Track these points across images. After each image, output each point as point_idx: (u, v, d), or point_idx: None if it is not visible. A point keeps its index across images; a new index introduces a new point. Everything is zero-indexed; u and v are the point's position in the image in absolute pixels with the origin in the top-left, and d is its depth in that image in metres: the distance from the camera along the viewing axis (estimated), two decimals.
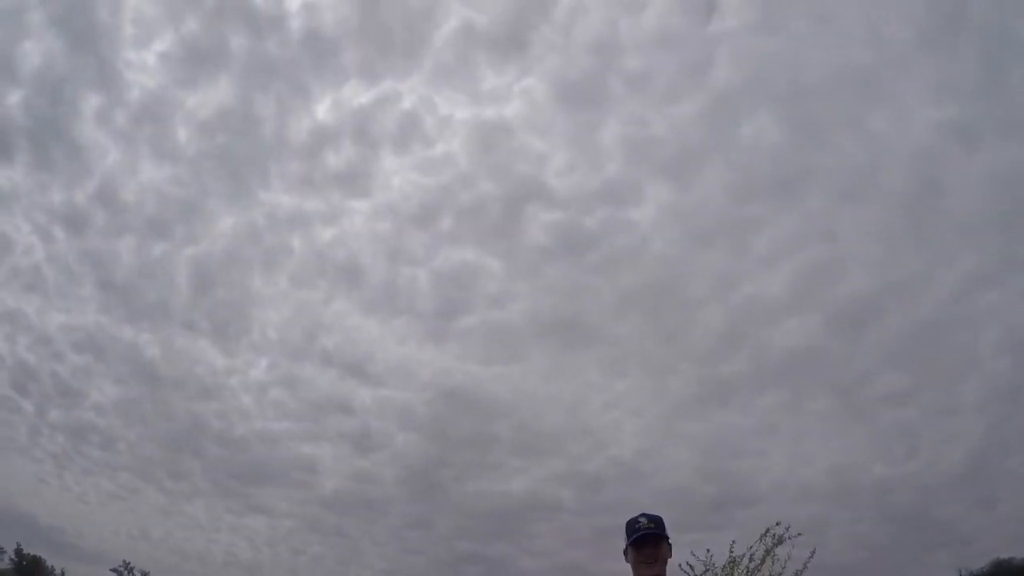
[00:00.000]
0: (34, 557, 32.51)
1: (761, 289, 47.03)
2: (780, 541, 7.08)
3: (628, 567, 1.99)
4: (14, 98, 38.34)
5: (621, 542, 2.03)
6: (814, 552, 7.23)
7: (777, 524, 7.10)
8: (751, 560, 7.12)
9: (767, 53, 40.93)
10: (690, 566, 7.10)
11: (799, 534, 7.04)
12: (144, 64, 40.23)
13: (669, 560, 2.00)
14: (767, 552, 7.11)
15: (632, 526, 1.96)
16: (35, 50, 38.36)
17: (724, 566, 7.16)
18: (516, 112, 41.92)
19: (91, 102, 40.01)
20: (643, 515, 1.96)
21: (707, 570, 7.14)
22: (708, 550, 7.23)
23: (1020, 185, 38.96)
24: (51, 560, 34.42)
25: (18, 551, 31.93)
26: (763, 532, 7.07)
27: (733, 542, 7.35)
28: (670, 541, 2.01)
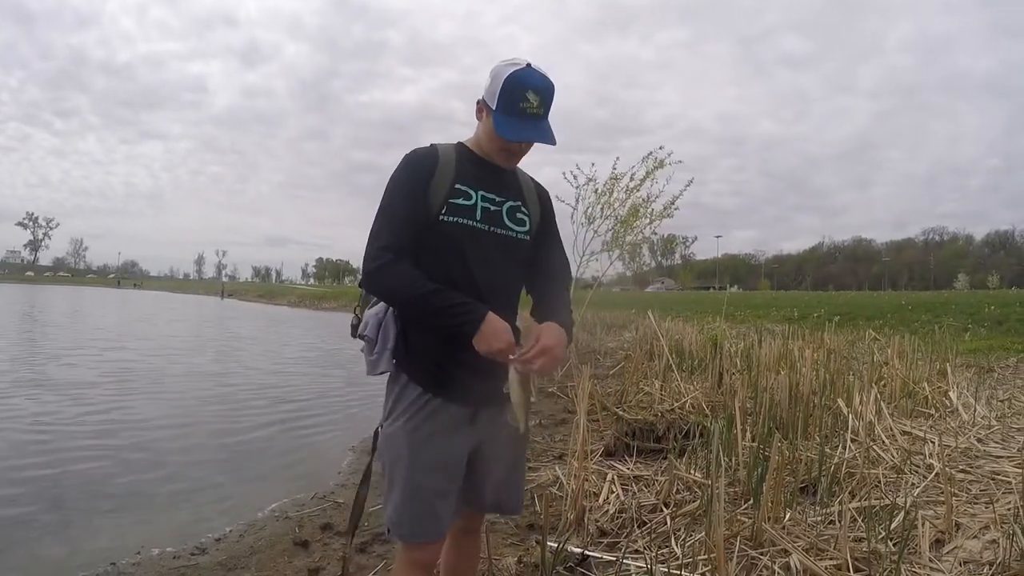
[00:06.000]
0: None
1: None
2: (661, 164, 7.30)
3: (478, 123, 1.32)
4: None
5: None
6: (692, 180, 7.55)
7: (660, 148, 7.35)
8: (632, 179, 7.39)
9: None
10: (573, 176, 7.36)
11: (680, 161, 7.30)
12: None
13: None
14: (648, 173, 7.33)
15: (515, 90, 1.20)
16: None
17: (606, 181, 7.42)
18: None
19: None
20: (533, 73, 1.22)
21: (589, 181, 7.41)
22: (593, 164, 7.44)
23: None
24: None
25: None
26: (646, 154, 7.34)
27: (617, 159, 7.54)
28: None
